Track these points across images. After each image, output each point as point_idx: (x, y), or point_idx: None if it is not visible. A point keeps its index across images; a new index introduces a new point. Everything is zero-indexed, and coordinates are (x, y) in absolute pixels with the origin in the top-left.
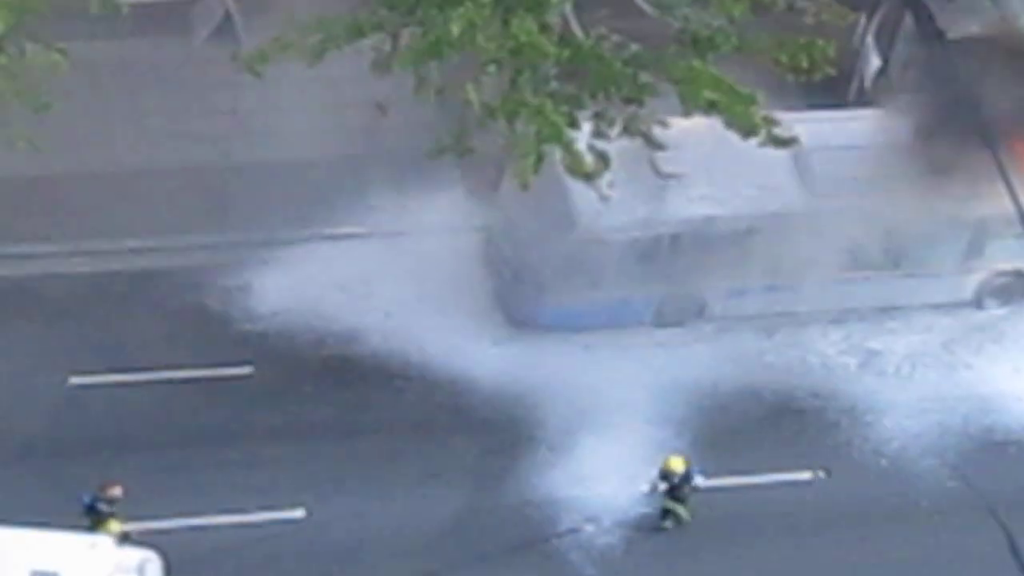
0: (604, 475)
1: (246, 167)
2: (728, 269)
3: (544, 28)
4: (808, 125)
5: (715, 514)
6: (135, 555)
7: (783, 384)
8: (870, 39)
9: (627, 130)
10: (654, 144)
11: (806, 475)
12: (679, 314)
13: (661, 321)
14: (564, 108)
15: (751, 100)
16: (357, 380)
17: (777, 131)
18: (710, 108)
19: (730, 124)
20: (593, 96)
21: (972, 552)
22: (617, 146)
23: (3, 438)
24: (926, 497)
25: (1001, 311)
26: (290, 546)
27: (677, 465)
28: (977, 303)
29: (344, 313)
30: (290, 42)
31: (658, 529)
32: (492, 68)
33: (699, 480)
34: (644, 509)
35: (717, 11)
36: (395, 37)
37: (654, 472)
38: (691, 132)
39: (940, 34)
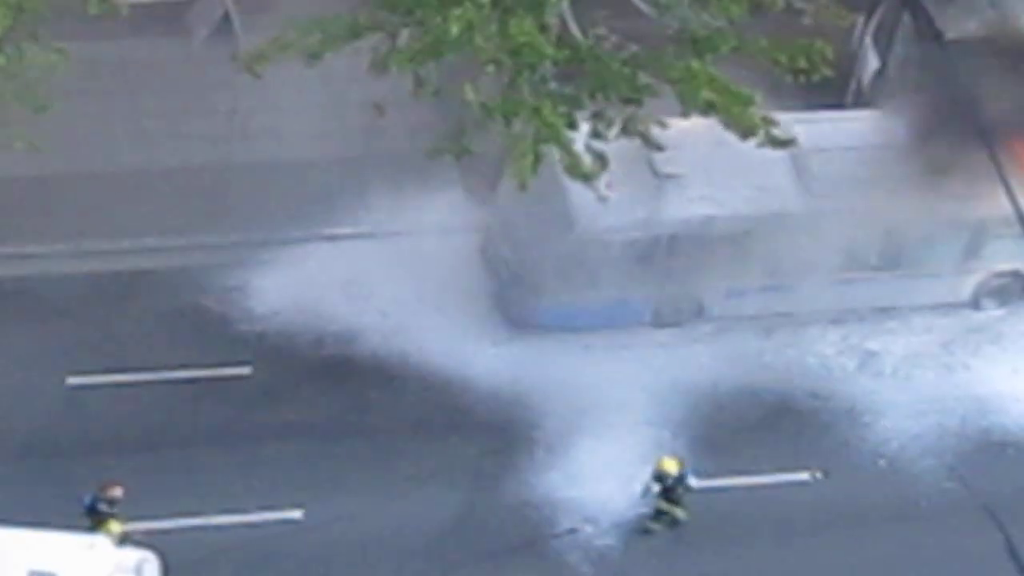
0: (602, 475)
1: (245, 167)
2: (726, 270)
3: (542, 28)
4: (806, 126)
5: (713, 514)
6: (133, 555)
7: (781, 385)
8: (868, 40)
9: (625, 130)
10: (652, 144)
11: (804, 476)
12: (677, 314)
13: (659, 321)
14: (562, 108)
15: (749, 101)
16: (356, 380)
17: (775, 132)
18: (708, 109)
19: (728, 125)
20: (591, 96)
21: (970, 553)
22: (615, 147)
23: (1, 438)
24: (924, 498)
25: (999, 312)
26: (288, 546)
27: (671, 467)
28: (975, 304)
29: (343, 313)
30: (289, 42)
31: (647, 531)
32: (490, 68)
33: (692, 481)
34: (642, 510)
35: (716, 12)
36: (393, 37)
37: (648, 473)
38: (689, 133)
39: (938, 35)
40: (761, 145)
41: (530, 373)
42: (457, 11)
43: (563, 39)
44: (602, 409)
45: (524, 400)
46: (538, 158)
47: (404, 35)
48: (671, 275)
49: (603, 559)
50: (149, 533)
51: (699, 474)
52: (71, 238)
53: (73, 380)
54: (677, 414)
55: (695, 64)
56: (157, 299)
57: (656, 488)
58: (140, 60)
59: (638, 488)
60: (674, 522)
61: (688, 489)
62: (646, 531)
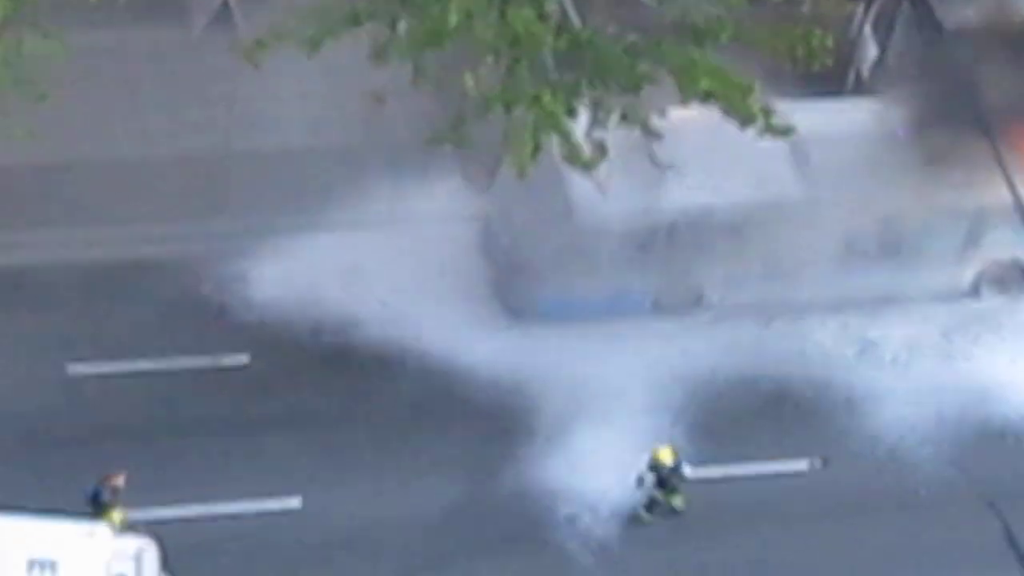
0: (601, 464)
1: (244, 156)
2: (725, 258)
3: (542, 17)
4: (805, 115)
5: (712, 503)
6: (132, 543)
7: (780, 373)
8: (868, 28)
9: (625, 119)
10: (652, 134)
11: (803, 464)
12: (677, 303)
13: (659, 310)
14: (562, 97)
15: (748, 89)
16: (354, 369)
17: (774, 120)
18: (707, 97)
19: (727, 113)
20: (591, 85)
21: (969, 541)
22: (615, 135)
23: (1, 425)
24: (923, 486)
25: (999, 300)
26: (287, 535)
27: (665, 457)
28: (975, 293)
29: (341, 302)
30: (288, 31)
31: (639, 519)
32: (490, 57)
33: (687, 470)
34: (641, 498)
35: (715, 0)
36: (393, 26)
37: (644, 462)
38: (688, 122)
39: (938, 23)
40: (760, 134)
41: (529, 362)
42: (456, 0)
43: (562, 28)
44: (601, 398)
45: (523, 389)
46: (537, 147)
47: (403, 24)
48: (670, 264)
49: (602, 548)
50: (145, 522)
51: (698, 462)
52: (70, 226)
53: (73, 368)
54: (676, 402)
55: (694, 53)
56: (156, 288)
57: (651, 478)
58: (139, 49)
59: (632, 478)
60: (672, 511)
61: (683, 479)
62: (638, 520)
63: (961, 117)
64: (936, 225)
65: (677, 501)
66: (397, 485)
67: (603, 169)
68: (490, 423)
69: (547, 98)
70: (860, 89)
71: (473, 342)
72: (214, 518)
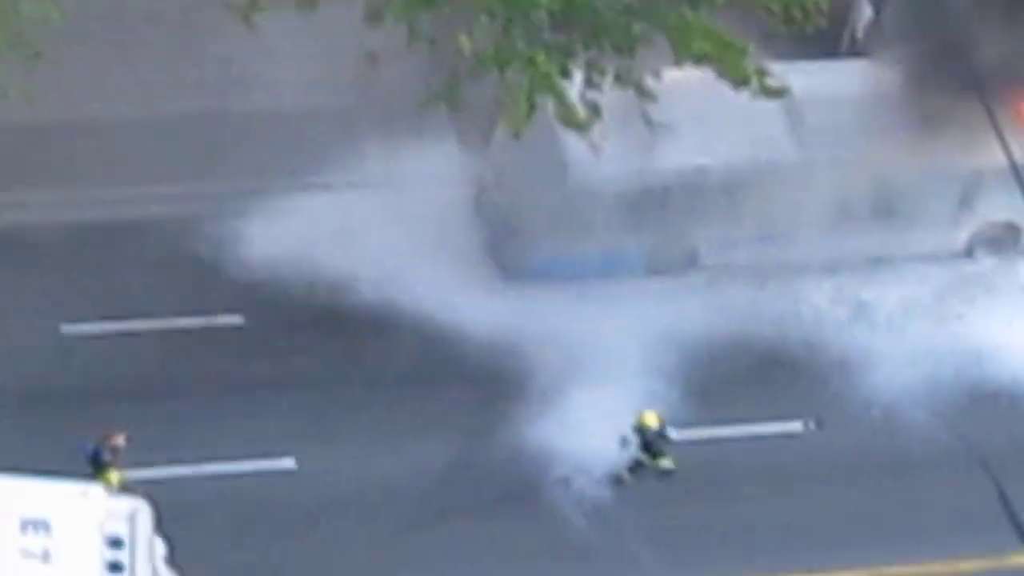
0: (596, 425)
1: (239, 116)
2: (720, 220)
3: None
4: (800, 76)
5: (706, 464)
6: (126, 503)
7: (775, 335)
8: None
9: (619, 80)
10: (646, 95)
11: (797, 426)
12: (671, 264)
13: (653, 271)
14: (557, 58)
15: (743, 51)
16: (349, 330)
17: (769, 82)
18: (702, 59)
19: (722, 75)
20: (585, 46)
21: (963, 503)
22: (609, 97)
23: None
24: (917, 448)
25: (992, 262)
26: (280, 495)
27: (651, 420)
28: (969, 254)
29: (336, 263)
30: None
31: (620, 480)
32: (484, 18)
33: (673, 434)
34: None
35: None
36: None
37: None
38: (683, 83)
39: None
40: (755, 95)
41: (524, 323)
42: None
43: None
44: (596, 359)
45: (518, 350)
46: (532, 108)
47: None
48: (664, 225)
49: (596, 509)
50: (139, 482)
51: (692, 424)
52: (65, 186)
53: (67, 328)
54: (670, 364)
55: (689, 14)
56: (151, 248)
57: (635, 440)
58: (134, 8)
59: (616, 440)
60: (663, 473)
61: (669, 442)
62: (619, 480)
63: (956, 79)
64: (930, 187)
65: (665, 463)
66: (391, 446)
67: (597, 130)
68: (484, 384)
69: (541, 59)
70: (855, 50)
71: (467, 303)
72: (208, 478)
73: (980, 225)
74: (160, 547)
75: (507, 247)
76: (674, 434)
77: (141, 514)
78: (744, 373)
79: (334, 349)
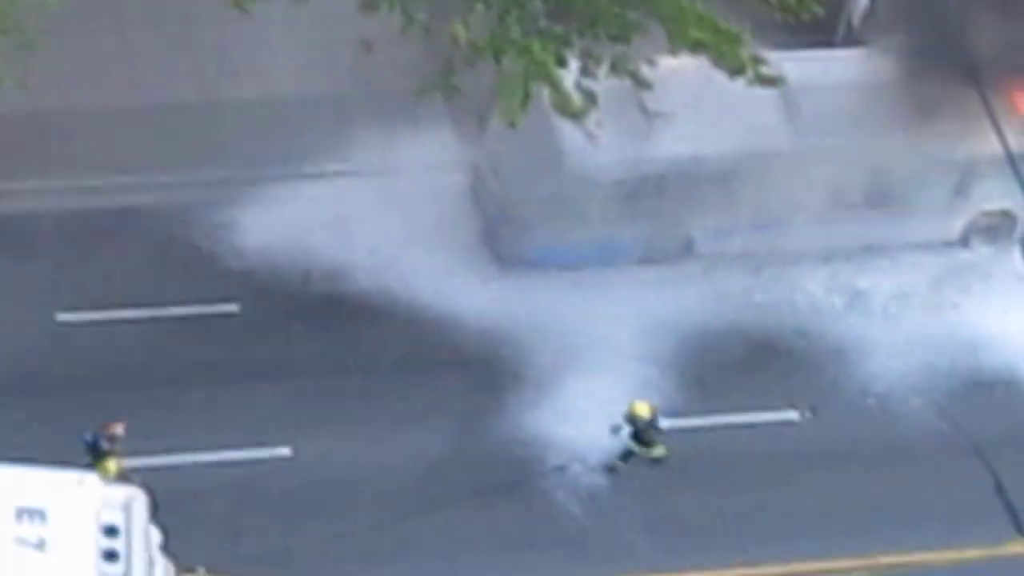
0: (591, 413)
1: (233, 104)
2: (715, 208)
3: None
4: (796, 64)
5: (701, 452)
6: (122, 492)
7: (770, 323)
8: None
9: (615, 69)
10: (642, 83)
11: (793, 414)
12: (667, 252)
13: (648, 259)
14: (552, 46)
15: (738, 39)
16: (344, 318)
17: (764, 70)
18: (697, 47)
19: (717, 63)
20: (581, 34)
21: (958, 492)
22: (605, 85)
23: None
24: (913, 437)
25: (988, 251)
26: (276, 484)
27: (642, 410)
28: (964, 243)
29: (331, 251)
30: None
31: (614, 470)
32: (480, 6)
33: (663, 424)
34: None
35: None
36: None
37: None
38: (679, 71)
39: None
40: (750, 84)
41: (519, 311)
42: None
43: None
44: (591, 347)
45: (513, 338)
46: (528, 96)
47: None
48: (660, 213)
49: (591, 497)
50: (135, 470)
51: (687, 412)
52: (60, 175)
53: (63, 316)
54: (666, 352)
55: (684, 2)
56: (146, 236)
57: (627, 429)
58: None
59: (607, 428)
60: (655, 461)
61: (660, 432)
62: (613, 469)
63: (951, 67)
64: (926, 175)
65: (657, 451)
66: (387, 434)
67: (593, 119)
68: (479, 372)
69: (537, 47)
70: (850, 39)
71: (463, 291)
72: (203, 466)
73: (975, 214)
74: (156, 535)
75: (502, 235)
76: (664, 422)
77: (137, 503)
78: (739, 361)
79: (329, 337)
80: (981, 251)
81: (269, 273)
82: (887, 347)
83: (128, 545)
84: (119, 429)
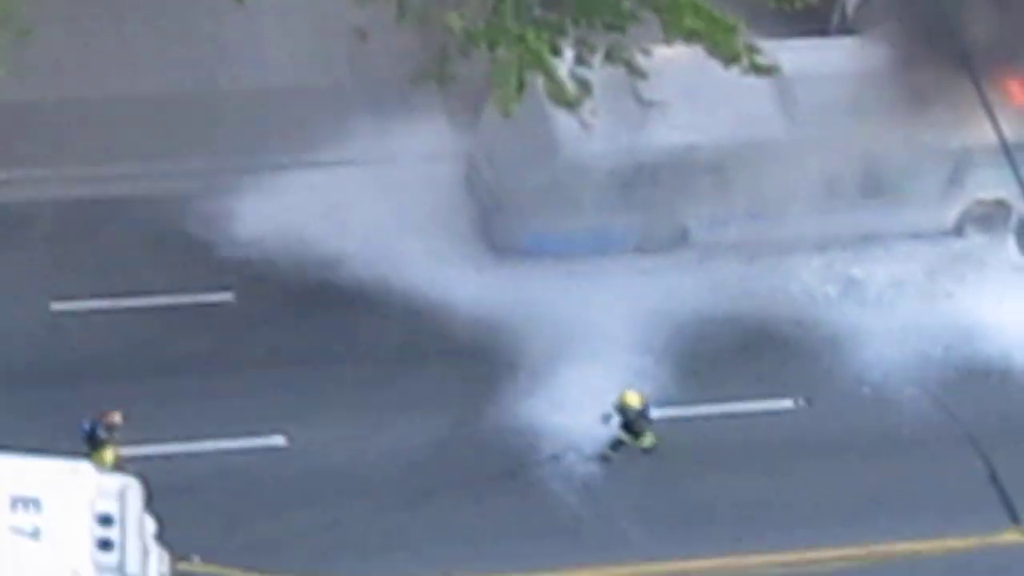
0: (585, 402)
1: (228, 93)
2: (710, 197)
3: None
4: (790, 53)
5: (696, 442)
6: (116, 481)
7: (765, 312)
8: None
9: (609, 58)
10: (636, 72)
11: (787, 403)
12: (661, 241)
13: (643, 248)
14: (546, 35)
15: (733, 28)
16: (338, 307)
17: (759, 59)
18: (692, 36)
19: (712, 52)
20: (575, 23)
21: (953, 481)
22: (599, 74)
23: None
24: (907, 426)
25: (982, 240)
26: (271, 473)
27: (633, 400)
28: (959, 232)
29: (326, 240)
30: None
31: (606, 459)
32: None
33: (657, 413)
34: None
35: None
36: None
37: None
38: (673, 60)
39: None
40: (745, 73)
41: (513, 300)
42: None
43: None
44: (585, 336)
45: (507, 327)
46: (522, 85)
47: None
48: (654, 202)
49: (586, 486)
50: (129, 459)
51: (682, 401)
52: (55, 164)
53: (56, 306)
54: (660, 341)
55: None
56: (140, 225)
57: (617, 419)
58: None
59: (598, 417)
60: (645, 451)
61: (650, 422)
62: (605, 459)
63: (946, 56)
64: (920, 164)
65: (647, 441)
66: (381, 423)
67: (588, 108)
68: (474, 361)
69: (531, 36)
70: (845, 28)
71: (457, 280)
72: (197, 456)
73: (970, 203)
74: (150, 524)
75: (497, 224)
76: (653, 412)
77: (131, 491)
78: (734, 350)
79: (324, 326)
80: (975, 240)
81: (264, 262)
82: (882, 336)
83: (123, 534)
84: (117, 418)
